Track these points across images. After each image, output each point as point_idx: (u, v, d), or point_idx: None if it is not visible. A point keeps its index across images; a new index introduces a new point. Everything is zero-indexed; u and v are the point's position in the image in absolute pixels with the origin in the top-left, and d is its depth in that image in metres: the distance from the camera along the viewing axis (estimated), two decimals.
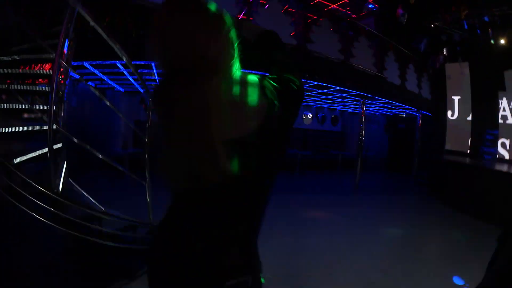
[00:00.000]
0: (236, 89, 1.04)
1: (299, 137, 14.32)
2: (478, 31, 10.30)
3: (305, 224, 5.90)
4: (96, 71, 6.83)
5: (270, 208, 1.19)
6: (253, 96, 1.04)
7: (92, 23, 3.15)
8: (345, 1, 12.60)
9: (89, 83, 8.83)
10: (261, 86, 1.08)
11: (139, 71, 6.76)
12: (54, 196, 3.17)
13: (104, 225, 3.59)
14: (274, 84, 1.13)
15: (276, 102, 1.08)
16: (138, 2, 5.25)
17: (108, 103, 3.84)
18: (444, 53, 11.65)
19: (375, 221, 6.41)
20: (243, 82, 1.06)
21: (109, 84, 8.97)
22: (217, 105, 1.00)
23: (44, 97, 4.06)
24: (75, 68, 6.29)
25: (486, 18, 9.88)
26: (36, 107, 3.98)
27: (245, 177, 1.05)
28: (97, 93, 4.01)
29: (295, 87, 1.19)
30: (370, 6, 13.09)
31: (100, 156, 3.71)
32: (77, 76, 7.45)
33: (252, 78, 1.09)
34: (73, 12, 3.16)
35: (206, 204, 1.08)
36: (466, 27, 10.44)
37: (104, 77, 7.84)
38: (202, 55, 1.00)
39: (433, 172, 10.03)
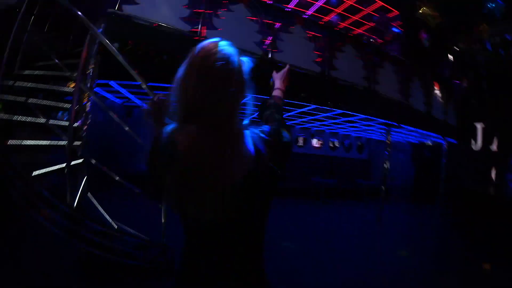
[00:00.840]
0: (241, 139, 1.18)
1: (325, 165, 14.15)
2: (501, 50, 10.06)
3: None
4: (122, 90, 7.03)
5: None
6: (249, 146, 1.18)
7: (111, 50, 3.27)
8: (370, 26, 12.55)
9: (117, 100, 9.12)
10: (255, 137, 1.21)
11: (160, 92, 6.94)
12: (68, 210, 3.25)
13: (118, 243, 3.63)
14: (266, 136, 1.24)
15: (265, 152, 1.19)
16: (161, 29, 5.41)
17: (127, 128, 3.93)
18: (469, 76, 11.39)
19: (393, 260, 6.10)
20: (243, 133, 1.19)
21: (136, 102, 9.20)
22: (231, 153, 1.13)
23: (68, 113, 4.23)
24: (101, 86, 6.53)
25: (508, 36, 9.65)
26: (61, 122, 4.15)
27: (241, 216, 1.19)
28: (115, 118, 4.10)
29: (285, 140, 1.30)
30: (395, 30, 12.98)
31: (117, 178, 3.79)
32: (104, 93, 7.74)
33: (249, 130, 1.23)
34: (93, 39, 3.30)
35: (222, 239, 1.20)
36: (489, 47, 10.22)
37: (130, 96, 8.05)
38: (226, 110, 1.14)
39: (458, 203, 9.64)
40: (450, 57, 11.33)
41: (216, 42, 1.18)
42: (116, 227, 3.92)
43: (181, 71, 1.16)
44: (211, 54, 1.13)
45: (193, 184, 1.10)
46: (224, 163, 1.11)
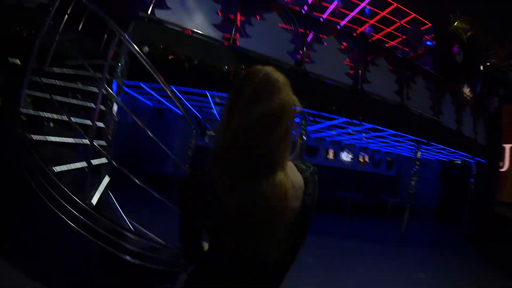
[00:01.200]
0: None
1: (353, 179, 13.93)
2: None
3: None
4: (152, 92, 7.16)
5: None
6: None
7: (138, 55, 3.32)
8: (403, 38, 12.30)
9: (148, 102, 9.31)
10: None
11: (191, 98, 7.06)
12: (84, 206, 3.30)
13: (132, 243, 3.65)
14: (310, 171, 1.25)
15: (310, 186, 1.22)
16: (192, 34, 5.47)
17: (150, 133, 3.97)
18: (500, 94, 10.91)
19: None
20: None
21: (167, 105, 9.36)
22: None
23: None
24: (130, 87, 6.67)
25: None
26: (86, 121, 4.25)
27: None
28: (139, 122, 4.16)
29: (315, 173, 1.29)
30: (428, 43, 12.68)
31: (137, 181, 3.83)
32: (134, 94, 7.90)
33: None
34: (121, 42, 3.35)
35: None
36: None
37: (161, 99, 8.20)
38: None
39: (482, 225, 9.23)
40: (482, 72, 10.93)
41: (272, 73, 1.10)
42: (132, 228, 3.95)
43: (235, 103, 1.07)
44: (276, 87, 1.07)
45: (242, 225, 1.06)
46: (277, 204, 1.06)
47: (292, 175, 1.13)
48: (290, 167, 1.15)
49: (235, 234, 1.06)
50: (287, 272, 1.21)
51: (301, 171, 1.19)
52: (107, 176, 4.56)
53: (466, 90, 10.33)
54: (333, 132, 10.67)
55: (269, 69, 1.10)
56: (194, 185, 1.10)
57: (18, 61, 4.07)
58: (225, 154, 1.06)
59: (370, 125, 7.66)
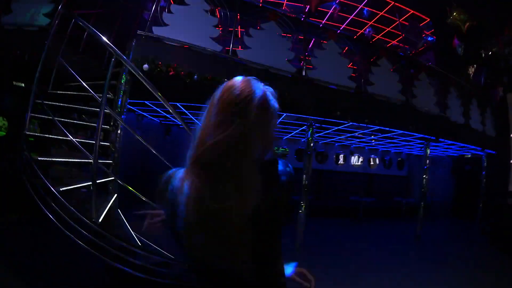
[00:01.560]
0: None
1: (364, 183, 13.84)
2: None
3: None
4: (158, 109, 7.22)
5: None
6: None
7: (136, 74, 3.37)
8: (403, 37, 12.26)
9: (155, 119, 9.39)
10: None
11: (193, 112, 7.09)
12: (91, 224, 3.34)
13: (140, 259, 3.67)
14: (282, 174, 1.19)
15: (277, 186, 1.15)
16: (190, 49, 5.52)
17: (154, 151, 4.02)
18: (504, 82, 10.75)
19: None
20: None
21: (174, 121, 9.42)
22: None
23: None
24: (136, 105, 6.75)
25: None
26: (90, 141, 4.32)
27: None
28: (142, 140, 4.21)
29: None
30: (429, 38, 12.63)
31: (142, 197, 3.87)
32: (140, 112, 7.99)
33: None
34: (119, 62, 3.42)
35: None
36: None
37: (167, 115, 8.26)
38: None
39: (497, 218, 9.02)
40: (484, 62, 10.81)
41: (239, 79, 1.14)
42: (140, 243, 3.97)
43: (206, 113, 1.12)
44: (231, 91, 1.09)
45: (200, 231, 1.06)
46: (229, 207, 1.03)
47: (254, 179, 1.08)
48: (256, 171, 1.09)
49: (194, 241, 1.07)
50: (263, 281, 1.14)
51: (269, 176, 1.14)
52: (115, 194, 4.61)
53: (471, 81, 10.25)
54: (341, 137, 10.62)
55: (235, 81, 1.13)
56: (164, 186, 1.13)
57: (22, 85, 4.18)
58: (193, 159, 1.08)
59: (377, 127, 7.61)
